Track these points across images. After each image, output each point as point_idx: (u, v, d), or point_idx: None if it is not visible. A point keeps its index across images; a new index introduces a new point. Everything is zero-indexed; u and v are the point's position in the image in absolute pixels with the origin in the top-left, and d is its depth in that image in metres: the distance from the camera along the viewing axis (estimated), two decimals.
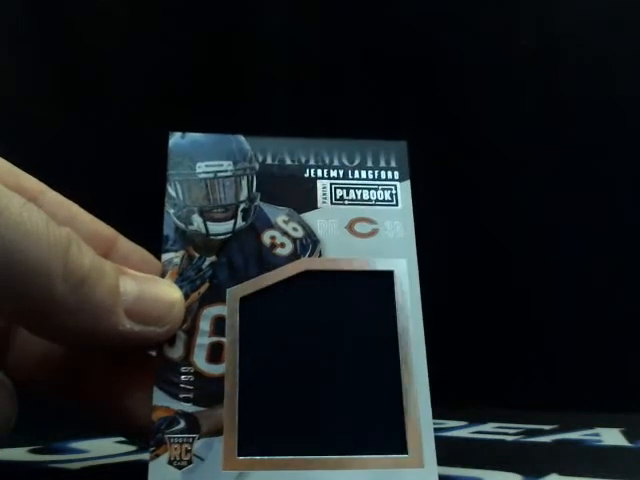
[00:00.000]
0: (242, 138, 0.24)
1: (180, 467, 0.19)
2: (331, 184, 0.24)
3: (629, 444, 0.32)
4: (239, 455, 0.20)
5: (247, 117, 0.45)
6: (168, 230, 0.22)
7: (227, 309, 0.21)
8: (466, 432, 0.35)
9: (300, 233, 0.23)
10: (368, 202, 0.24)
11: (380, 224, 0.23)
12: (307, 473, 0.20)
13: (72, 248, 0.18)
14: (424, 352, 0.21)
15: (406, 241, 0.23)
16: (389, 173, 0.24)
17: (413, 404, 0.21)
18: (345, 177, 0.24)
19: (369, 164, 0.24)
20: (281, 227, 0.23)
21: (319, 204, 0.23)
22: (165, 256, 0.22)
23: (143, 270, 0.21)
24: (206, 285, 0.22)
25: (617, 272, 0.47)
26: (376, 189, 0.24)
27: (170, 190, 0.23)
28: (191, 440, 0.20)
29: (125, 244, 0.24)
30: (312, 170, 0.24)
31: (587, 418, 0.38)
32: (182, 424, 0.20)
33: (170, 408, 0.20)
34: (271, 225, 0.23)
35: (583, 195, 0.47)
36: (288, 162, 0.24)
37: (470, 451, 0.30)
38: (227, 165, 0.23)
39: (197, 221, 0.23)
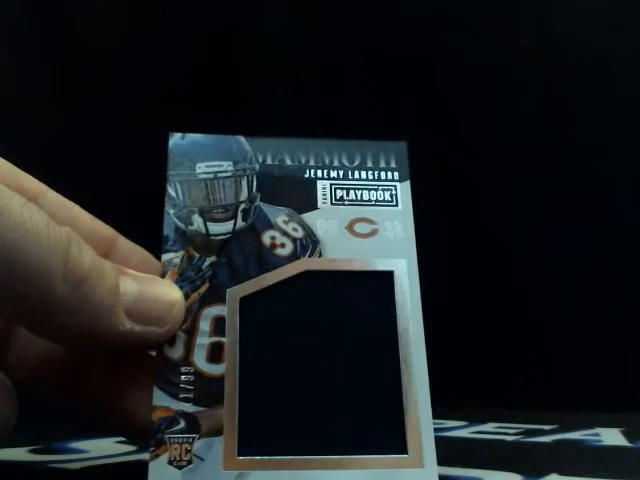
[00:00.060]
0: (242, 139, 0.24)
1: (180, 467, 0.19)
2: (331, 184, 0.24)
3: (629, 444, 0.32)
4: (239, 455, 0.20)
5: (247, 117, 0.45)
6: (168, 230, 0.22)
7: (227, 309, 0.21)
8: (466, 432, 0.35)
9: (300, 233, 0.23)
10: (368, 202, 0.24)
11: (380, 224, 0.23)
12: (307, 473, 0.20)
13: (72, 248, 0.18)
14: (424, 352, 0.21)
15: (406, 241, 0.23)
16: (389, 173, 0.24)
17: (413, 404, 0.21)
18: (345, 177, 0.24)
19: (369, 164, 0.24)
20: (281, 227, 0.23)
21: (319, 204, 0.23)
22: (165, 256, 0.22)
23: (143, 270, 0.21)
24: (206, 285, 0.22)
25: (617, 272, 0.47)
26: (376, 189, 0.24)
27: (170, 190, 0.23)
28: (191, 440, 0.20)
29: (125, 244, 0.24)
30: (312, 170, 0.24)
31: (587, 418, 0.38)
32: (182, 424, 0.20)
33: (170, 408, 0.20)
34: (271, 225, 0.23)
35: (583, 195, 0.47)
36: (288, 162, 0.24)
37: (470, 451, 0.30)
38: (227, 165, 0.23)
39: (197, 221, 0.23)
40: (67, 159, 0.45)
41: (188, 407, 0.20)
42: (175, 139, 0.24)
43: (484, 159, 0.47)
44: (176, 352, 0.21)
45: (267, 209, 0.23)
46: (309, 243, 0.23)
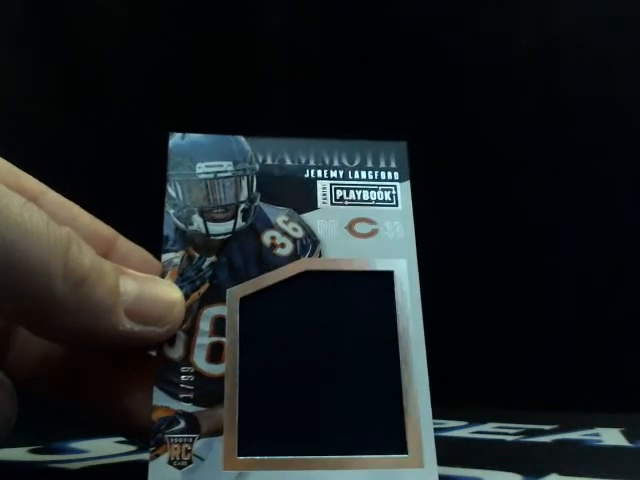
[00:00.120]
0: (242, 139, 0.24)
1: (180, 467, 0.19)
2: (331, 184, 0.24)
3: (629, 444, 0.32)
4: (239, 455, 0.20)
5: (247, 117, 0.45)
6: (168, 230, 0.22)
7: (227, 309, 0.21)
8: (466, 432, 0.35)
9: (300, 233, 0.23)
10: (368, 202, 0.24)
11: (380, 224, 0.23)
12: (307, 473, 0.20)
13: (72, 248, 0.18)
14: (424, 352, 0.21)
15: (406, 241, 0.23)
16: (389, 174, 0.24)
17: (413, 404, 0.21)
18: (345, 177, 0.24)
19: (369, 164, 0.24)
20: (281, 227, 0.23)
21: (319, 204, 0.23)
22: (165, 256, 0.22)
23: (143, 270, 0.21)
24: (206, 285, 0.22)
25: (617, 272, 0.47)
26: (376, 189, 0.24)
27: (170, 190, 0.23)
28: (191, 440, 0.20)
29: (125, 244, 0.24)
30: (312, 170, 0.24)
31: (587, 418, 0.38)
32: (182, 424, 0.20)
33: (170, 408, 0.20)
34: (271, 225, 0.23)
35: (583, 195, 0.47)
36: (288, 162, 0.24)
37: (470, 451, 0.30)
38: (227, 165, 0.23)
39: (197, 221, 0.23)
40: (67, 159, 0.45)
41: (188, 407, 0.20)
42: (175, 139, 0.24)
43: (484, 159, 0.47)
44: (176, 352, 0.21)
45: (267, 209, 0.23)
46: (309, 243, 0.23)
